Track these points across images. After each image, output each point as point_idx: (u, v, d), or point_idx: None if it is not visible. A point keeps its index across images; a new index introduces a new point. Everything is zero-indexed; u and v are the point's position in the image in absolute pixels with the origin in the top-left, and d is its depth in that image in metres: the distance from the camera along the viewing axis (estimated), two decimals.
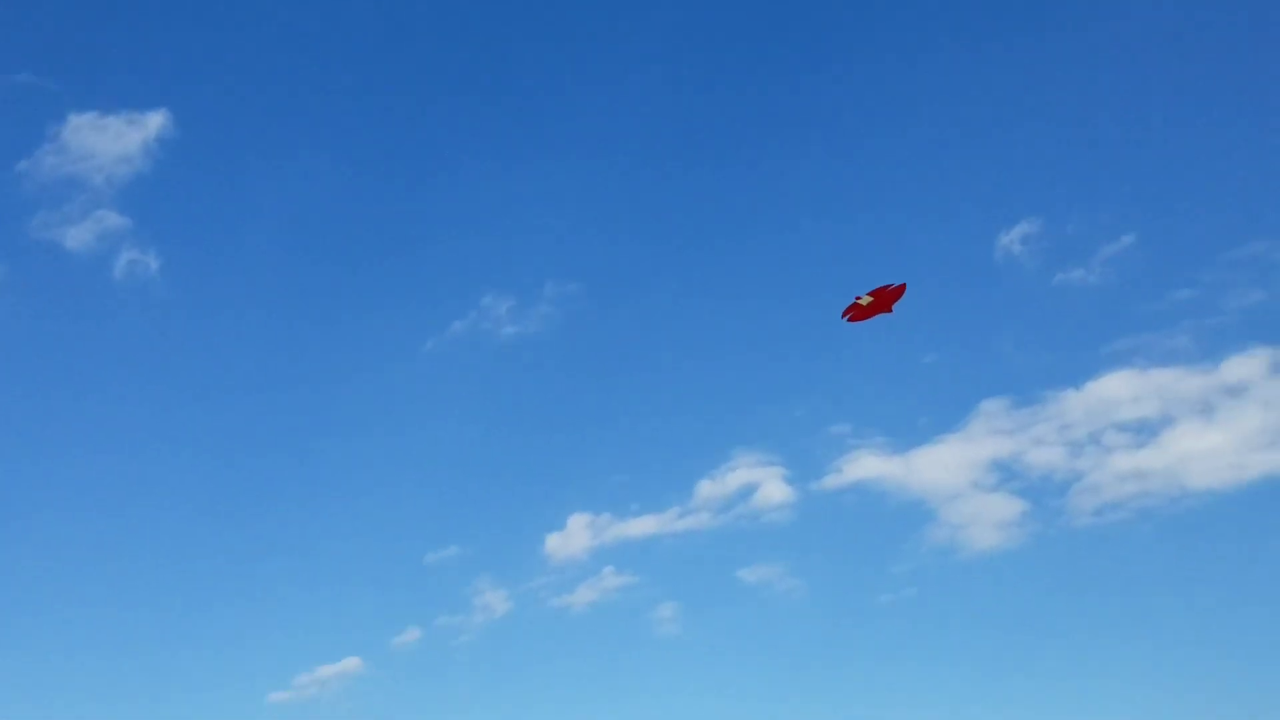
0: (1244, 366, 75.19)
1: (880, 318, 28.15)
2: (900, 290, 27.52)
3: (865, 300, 26.16)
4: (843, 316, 27.86)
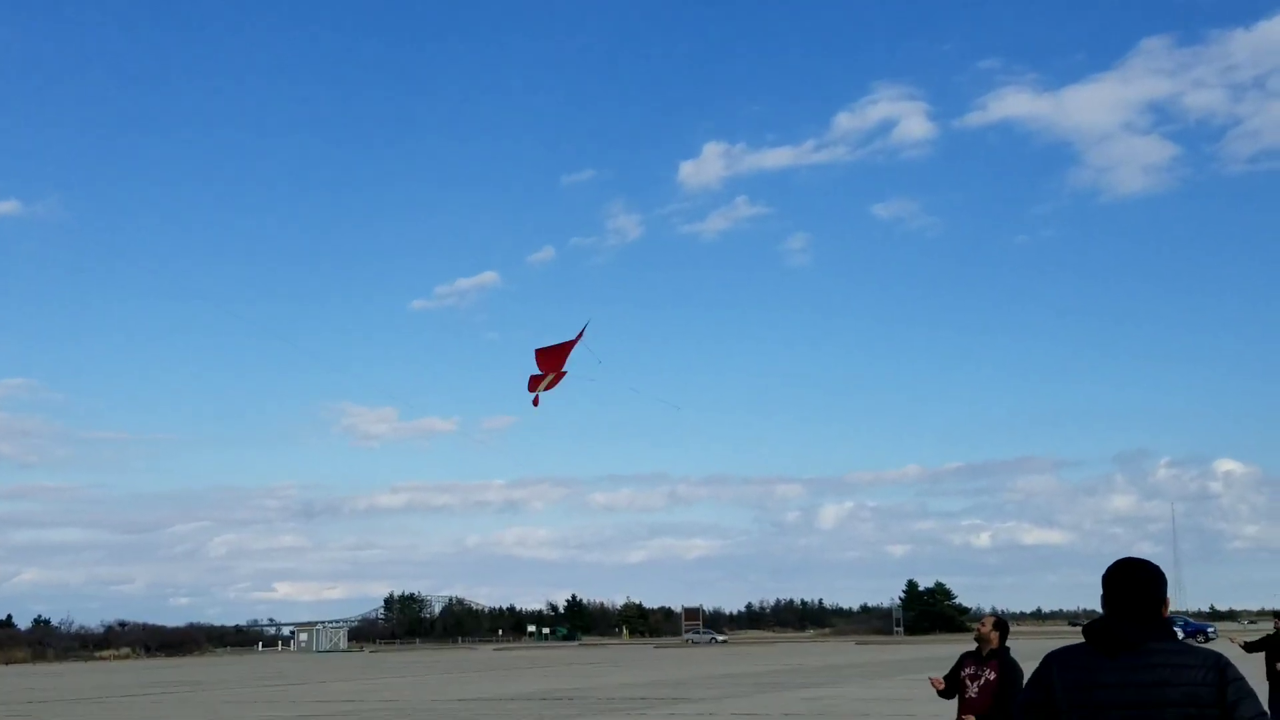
0: None
1: None
2: None
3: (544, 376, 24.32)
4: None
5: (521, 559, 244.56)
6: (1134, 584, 4.38)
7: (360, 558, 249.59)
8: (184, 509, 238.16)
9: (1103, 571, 4.48)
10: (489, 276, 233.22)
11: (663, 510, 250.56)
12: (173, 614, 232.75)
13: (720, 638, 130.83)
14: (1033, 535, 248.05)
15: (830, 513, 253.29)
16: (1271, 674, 17.63)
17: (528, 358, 22.79)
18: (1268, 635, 18.02)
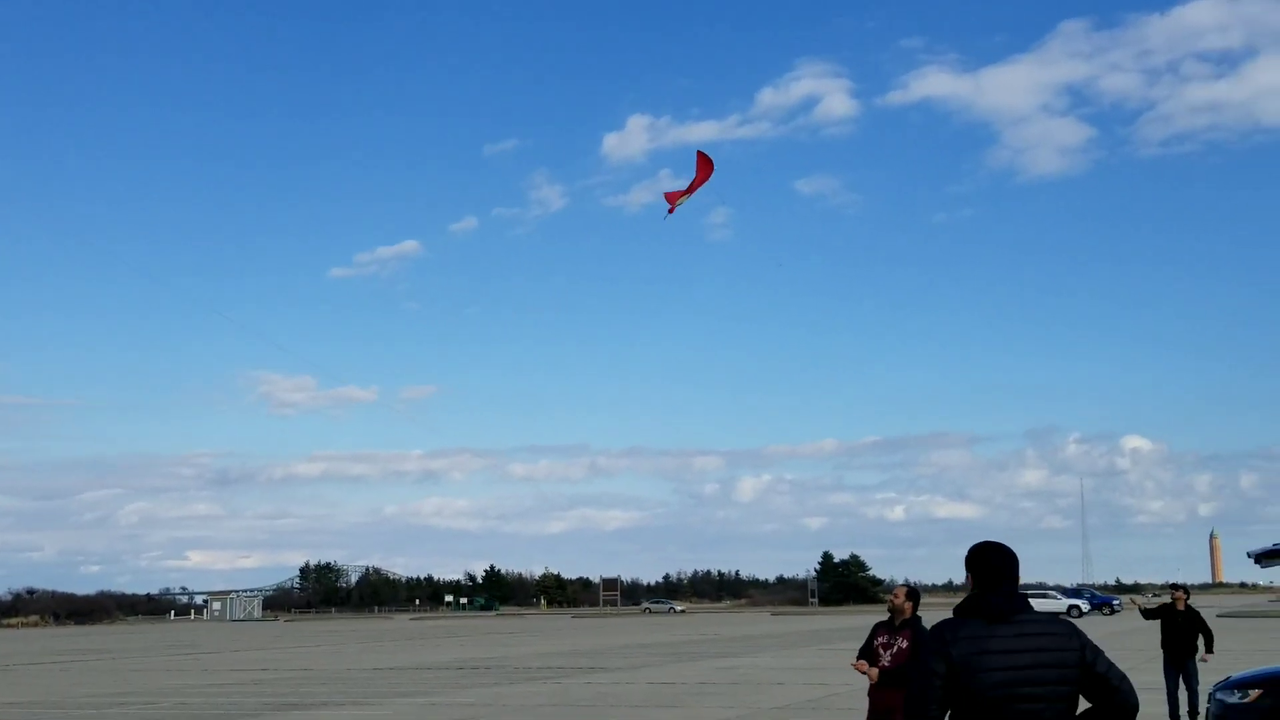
0: None
1: None
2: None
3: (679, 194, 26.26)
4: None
5: (439, 529, 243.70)
6: (1007, 564, 5.02)
7: (276, 527, 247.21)
8: (95, 476, 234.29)
9: (971, 550, 5.10)
10: (410, 245, 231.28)
11: (582, 481, 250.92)
12: (83, 582, 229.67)
13: (679, 608, 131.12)
14: (945, 509, 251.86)
15: (748, 485, 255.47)
16: (1165, 643, 18.21)
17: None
18: (1164, 605, 18.55)
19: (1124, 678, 4.93)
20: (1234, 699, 13.87)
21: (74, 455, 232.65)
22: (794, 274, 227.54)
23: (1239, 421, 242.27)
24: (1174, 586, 18.74)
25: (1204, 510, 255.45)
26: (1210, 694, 14.57)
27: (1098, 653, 4.90)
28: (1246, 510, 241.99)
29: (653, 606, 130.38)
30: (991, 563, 5.01)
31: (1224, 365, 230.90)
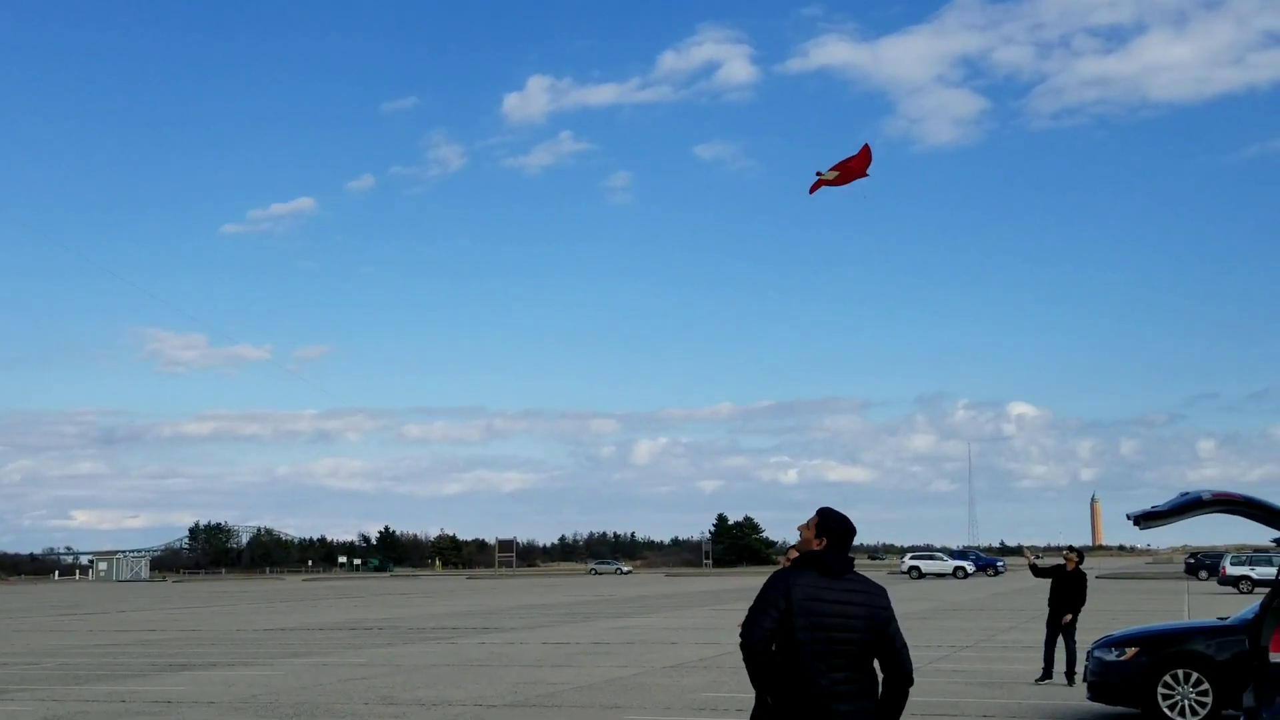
0: None
1: None
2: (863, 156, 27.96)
3: (830, 174, 26.67)
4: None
5: (333, 490, 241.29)
6: (848, 530, 6.05)
7: (164, 486, 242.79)
8: None
9: (827, 513, 6.06)
10: (305, 203, 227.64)
11: (478, 443, 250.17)
12: None
13: (626, 568, 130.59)
14: (837, 472, 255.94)
15: (644, 448, 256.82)
16: (1052, 600, 18.76)
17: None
18: (1056, 566, 19.08)
19: (906, 647, 5.98)
20: (1111, 656, 14.33)
21: None
22: (691, 240, 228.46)
23: (1121, 390, 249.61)
24: (1069, 549, 19.29)
25: (1086, 475, 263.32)
26: (1089, 652, 15.03)
27: (896, 621, 5.99)
28: (1126, 475, 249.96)
29: (599, 567, 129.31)
30: (840, 529, 6.04)
31: (1108, 335, 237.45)
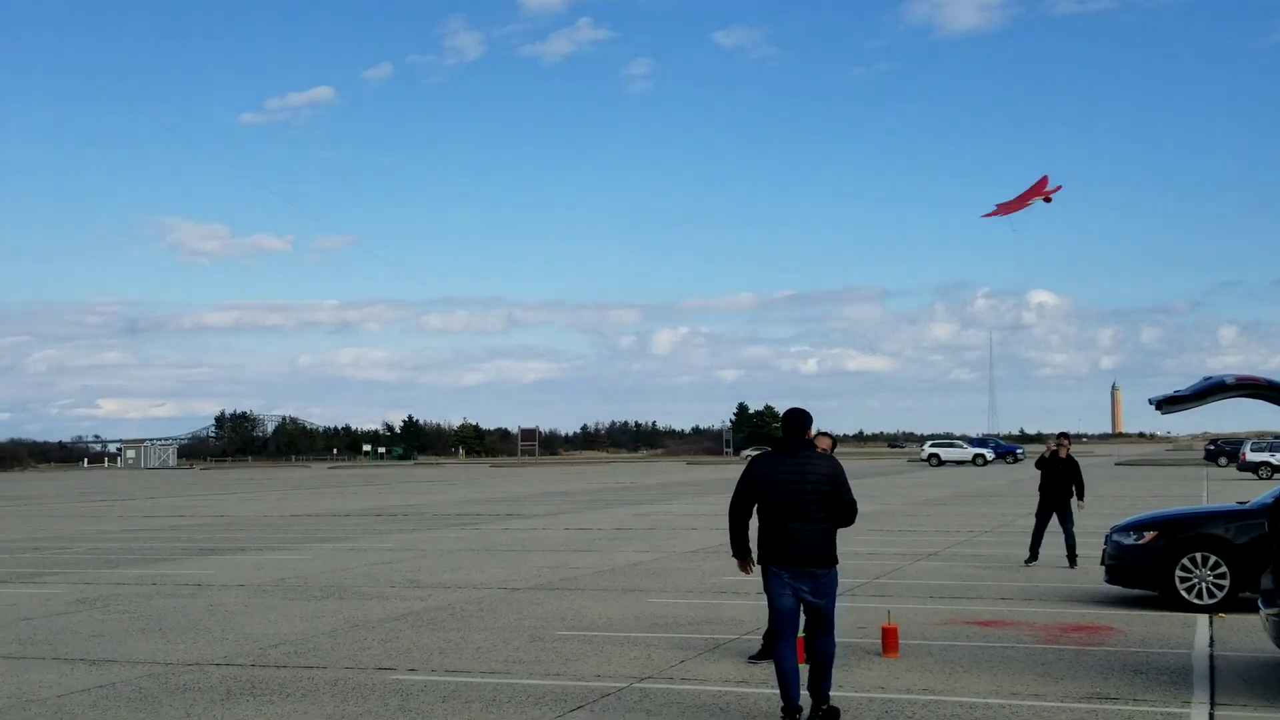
0: None
1: None
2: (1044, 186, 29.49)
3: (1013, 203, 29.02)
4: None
5: (356, 380, 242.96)
6: (800, 422, 8.52)
7: (189, 376, 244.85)
8: None
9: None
10: (323, 92, 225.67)
11: (500, 333, 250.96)
12: None
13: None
14: (857, 362, 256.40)
15: (665, 338, 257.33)
16: (1044, 487, 18.94)
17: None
18: (1051, 454, 19.00)
19: (853, 501, 8.42)
20: (1129, 540, 14.42)
21: None
22: (711, 129, 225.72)
23: (1142, 277, 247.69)
24: (1060, 435, 19.26)
25: (1106, 363, 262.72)
26: (1107, 535, 15.12)
27: (845, 483, 8.40)
28: (1146, 363, 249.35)
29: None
30: (789, 420, 8.53)
31: (1129, 223, 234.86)
